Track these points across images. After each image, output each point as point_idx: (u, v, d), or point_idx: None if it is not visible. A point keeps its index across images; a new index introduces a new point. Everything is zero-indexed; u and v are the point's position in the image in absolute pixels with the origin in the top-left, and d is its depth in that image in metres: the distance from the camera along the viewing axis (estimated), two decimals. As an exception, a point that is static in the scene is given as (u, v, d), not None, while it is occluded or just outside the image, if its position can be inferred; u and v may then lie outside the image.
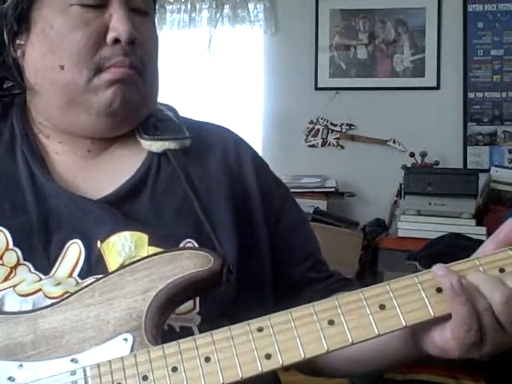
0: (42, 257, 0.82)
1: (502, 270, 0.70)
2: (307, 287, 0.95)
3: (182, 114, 1.02)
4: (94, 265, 0.82)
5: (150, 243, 0.83)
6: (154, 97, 0.95)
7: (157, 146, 0.91)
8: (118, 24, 0.85)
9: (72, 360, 0.69)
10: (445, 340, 0.69)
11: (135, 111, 0.91)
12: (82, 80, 0.85)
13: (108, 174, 0.91)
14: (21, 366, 0.69)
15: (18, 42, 0.89)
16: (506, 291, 0.67)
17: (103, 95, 0.86)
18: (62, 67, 0.85)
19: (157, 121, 0.95)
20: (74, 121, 0.88)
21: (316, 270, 0.98)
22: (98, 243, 0.83)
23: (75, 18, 0.85)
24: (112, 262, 0.82)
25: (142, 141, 0.92)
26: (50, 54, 0.86)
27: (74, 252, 0.83)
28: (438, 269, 0.69)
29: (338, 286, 0.95)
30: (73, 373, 0.68)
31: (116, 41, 0.85)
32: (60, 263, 0.82)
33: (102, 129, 0.89)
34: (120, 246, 0.83)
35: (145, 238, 0.84)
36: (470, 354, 0.69)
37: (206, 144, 0.96)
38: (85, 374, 0.67)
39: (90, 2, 0.85)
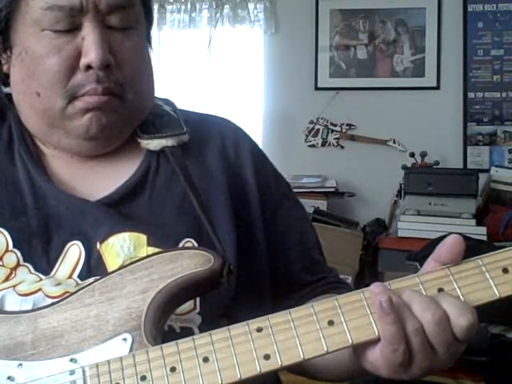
0: (41, 258, 0.82)
1: (440, 290, 0.67)
2: (298, 289, 0.94)
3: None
4: (93, 266, 0.82)
5: (149, 244, 0.83)
6: (149, 103, 0.93)
7: (154, 144, 0.91)
8: (88, 49, 0.80)
9: (71, 360, 0.69)
10: (375, 358, 0.67)
11: (120, 131, 0.89)
12: (57, 107, 0.83)
13: (106, 174, 0.90)
14: (20, 365, 0.69)
15: (4, 55, 0.87)
16: (438, 312, 0.64)
17: (79, 122, 0.84)
18: (38, 94, 0.84)
19: (154, 117, 0.93)
20: (56, 142, 0.88)
21: (309, 272, 0.96)
22: (98, 245, 0.83)
23: (47, 44, 0.81)
24: (111, 264, 0.81)
25: (139, 140, 0.91)
26: (28, 79, 0.84)
27: (74, 253, 0.82)
28: (375, 287, 0.67)
29: (327, 288, 0.94)
30: (72, 372, 0.67)
31: (89, 67, 0.81)
32: (60, 264, 0.82)
33: (85, 150, 0.88)
34: (119, 247, 0.82)
35: (143, 238, 0.83)
36: (398, 375, 0.67)
37: (205, 136, 0.95)
38: (83, 374, 0.67)
39: (61, 28, 0.81)
